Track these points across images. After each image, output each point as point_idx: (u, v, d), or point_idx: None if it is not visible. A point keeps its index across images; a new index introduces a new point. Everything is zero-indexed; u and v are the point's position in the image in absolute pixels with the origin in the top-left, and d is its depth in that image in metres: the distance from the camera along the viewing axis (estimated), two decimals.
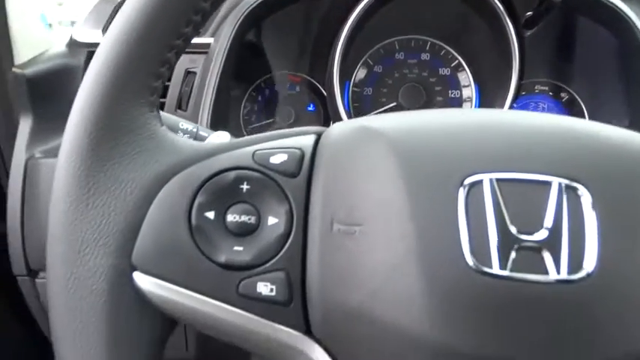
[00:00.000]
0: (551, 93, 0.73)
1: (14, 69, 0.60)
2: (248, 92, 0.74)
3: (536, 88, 0.72)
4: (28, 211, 0.60)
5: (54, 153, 0.62)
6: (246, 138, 0.32)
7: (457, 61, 0.73)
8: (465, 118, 0.30)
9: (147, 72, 0.30)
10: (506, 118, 0.31)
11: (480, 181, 0.27)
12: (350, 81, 0.73)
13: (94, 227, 0.28)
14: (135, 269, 0.28)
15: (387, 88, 0.74)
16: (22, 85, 0.59)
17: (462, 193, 0.27)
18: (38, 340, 0.79)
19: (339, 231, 0.28)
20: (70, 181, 0.28)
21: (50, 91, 0.62)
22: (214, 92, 0.60)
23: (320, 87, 0.74)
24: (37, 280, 0.61)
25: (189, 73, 0.64)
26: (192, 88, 0.63)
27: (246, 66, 0.70)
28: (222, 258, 0.28)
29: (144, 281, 0.28)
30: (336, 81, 0.65)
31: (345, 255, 0.27)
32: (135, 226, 0.28)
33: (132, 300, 0.28)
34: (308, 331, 0.29)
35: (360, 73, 0.74)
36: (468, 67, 0.72)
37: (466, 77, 0.73)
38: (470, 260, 0.25)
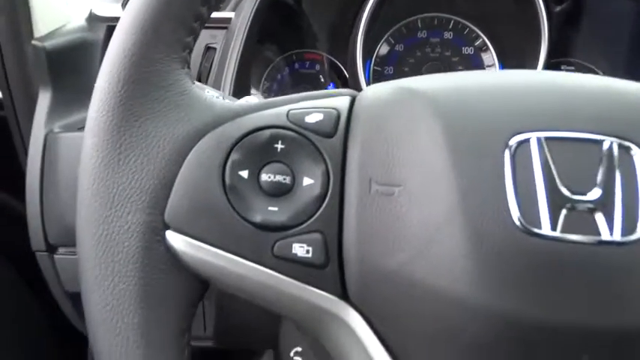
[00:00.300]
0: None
1: (33, 41, 0.59)
2: (267, 70, 0.73)
3: (562, 68, 0.70)
4: (47, 186, 0.59)
5: (73, 127, 0.61)
6: (280, 98, 0.31)
7: (481, 40, 0.71)
8: (507, 78, 0.29)
9: (180, 25, 0.29)
10: (550, 77, 0.30)
11: (527, 141, 0.26)
12: (371, 60, 0.72)
13: (125, 183, 0.27)
14: (168, 227, 0.27)
15: (409, 67, 0.72)
16: (41, 58, 0.58)
17: (508, 153, 0.26)
18: (57, 318, 0.79)
19: (378, 192, 0.27)
20: (101, 136, 0.27)
21: (69, 65, 0.61)
22: (236, 68, 0.59)
23: (340, 66, 0.73)
24: (56, 256, 0.60)
25: (209, 49, 0.63)
26: (212, 64, 0.62)
27: (265, 43, 0.69)
28: (257, 218, 0.27)
29: (176, 240, 0.27)
30: (359, 59, 0.64)
31: (384, 216, 0.27)
32: (168, 183, 0.27)
33: (164, 259, 0.27)
34: (344, 295, 0.28)
35: (382, 52, 0.72)
36: (493, 46, 0.71)
37: (490, 57, 0.71)
38: (518, 221, 0.25)
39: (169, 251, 0.27)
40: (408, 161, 0.27)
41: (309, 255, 0.27)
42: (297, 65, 0.74)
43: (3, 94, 0.68)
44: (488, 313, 0.25)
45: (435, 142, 0.26)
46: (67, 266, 0.60)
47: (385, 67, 0.72)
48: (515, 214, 0.25)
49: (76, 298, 0.63)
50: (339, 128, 0.29)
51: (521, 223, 0.24)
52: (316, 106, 0.30)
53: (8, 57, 0.63)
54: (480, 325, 0.25)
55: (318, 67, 0.74)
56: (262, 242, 0.27)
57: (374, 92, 0.30)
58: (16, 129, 0.69)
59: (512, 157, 0.26)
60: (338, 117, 0.29)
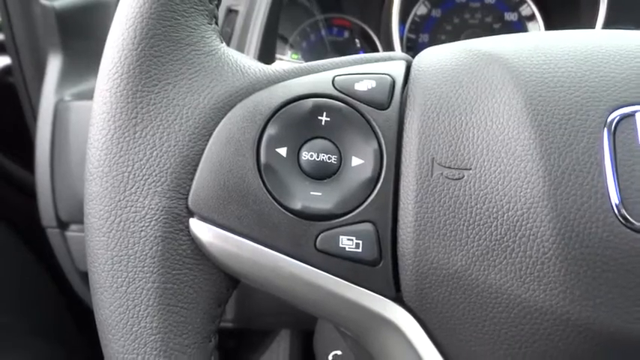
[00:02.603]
0: None
1: (42, 1, 0.54)
2: (292, 37, 0.67)
3: None
4: (58, 158, 0.56)
5: (85, 96, 0.57)
6: (323, 61, 0.26)
7: (527, 7, 0.65)
8: (602, 39, 0.24)
9: None
10: None
11: (632, 115, 0.21)
12: (404, 26, 0.66)
13: (142, 161, 0.23)
14: (192, 215, 0.23)
15: (446, 34, 0.67)
16: (50, 20, 0.54)
17: (607, 130, 0.21)
18: (68, 297, 0.76)
19: (442, 175, 0.22)
20: (113, 104, 0.23)
21: (81, 27, 0.57)
22: (262, 33, 0.54)
23: (371, 33, 0.67)
24: (67, 233, 0.57)
25: (230, 12, 0.58)
26: (233, 28, 0.57)
27: (291, 7, 0.64)
28: (297, 204, 0.23)
29: (202, 230, 0.23)
30: (394, 25, 0.59)
31: (449, 205, 0.22)
32: (192, 161, 0.23)
33: (187, 252, 0.23)
34: (397, 297, 0.24)
35: (417, 17, 0.67)
36: (541, 15, 0.65)
37: (537, 27, 0.65)
38: (617, 212, 0.21)
39: (193, 242, 0.23)
40: (481, 139, 0.22)
41: (359, 250, 0.23)
42: (324, 32, 0.68)
43: (12, 58, 0.64)
44: (581, 326, 0.20)
45: (515, 117, 0.22)
46: (78, 244, 0.57)
47: (420, 34, 0.67)
48: (615, 203, 0.21)
49: (87, 276, 0.60)
50: (394, 98, 0.24)
51: (621, 214, 0.21)
52: (367, 72, 0.25)
53: (16, 18, 0.59)
54: (572, 342, 0.20)
55: (347, 34, 0.68)
56: (303, 234, 0.23)
57: (435, 56, 0.25)
58: (26, 96, 0.66)
59: (612, 134, 0.21)
60: (393, 85, 0.24)
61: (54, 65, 0.56)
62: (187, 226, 0.23)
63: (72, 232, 0.57)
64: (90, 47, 0.57)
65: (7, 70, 0.73)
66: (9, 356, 0.69)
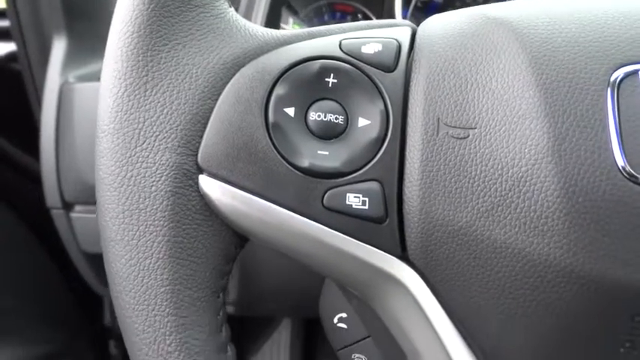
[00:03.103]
0: None
1: None
2: (291, 23, 0.68)
3: None
4: (63, 139, 0.56)
5: (90, 78, 0.57)
6: (331, 26, 0.26)
7: None
8: (602, 2, 0.25)
9: None
10: None
11: (635, 73, 0.21)
12: (407, 11, 0.66)
13: (153, 118, 0.23)
14: (201, 171, 0.23)
15: None
16: (55, 2, 0.54)
17: (610, 88, 0.21)
18: (71, 281, 0.77)
19: (447, 134, 0.23)
20: (124, 62, 0.23)
21: (86, 9, 0.57)
22: (269, 2, 0.54)
23: (373, 17, 0.68)
24: (72, 214, 0.57)
25: None
26: (238, 7, 0.57)
27: None
28: (304, 162, 0.23)
29: (211, 186, 0.23)
30: (398, 10, 0.59)
31: (454, 163, 0.23)
32: (201, 119, 0.23)
33: (197, 208, 0.23)
34: (403, 255, 0.24)
35: (419, 3, 0.67)
36: None
37: None
38: (621, 168, 0.21)
39: (203, 199, 0.23)
40: (486, 99, 0.23)
41: (366, 207, 0.23)
42: (326, 17, 0.69)
43: (17, 44, 0.64)
44: (584, 277, 0.21)
45: (520, 76, 0.22)
46: (83, 225, 0.58)
47: (422, 19, 0.67)
48: (618, 160, 0.21)
49: (92, 259, 0.60)
50: (401, 61, 0.25)
51: (624, 168, 0.21)
52: (373, 36, 0.25)
53: (21, 2, 0.59)
54: (575, 293, 0.21)
55: (349, 18, 0.69)
56: (311, 191, 0.23)
57: (440, 22, 0.26)
58: (30, 81, 0.66)
59: (616, 92, 0.22)
60: (399, 48, 0.25)
61: (59, 48, 0.57)
62: (197, 183, 0.23)
63: (77, 214, 0.57)
64: (95, 29, 0.57)
65: (12, 56, 0.73)
66: (10, 340, 0.70)
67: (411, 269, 0.24)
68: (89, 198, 0.55)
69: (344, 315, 0.29)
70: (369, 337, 0.28)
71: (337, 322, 0.29)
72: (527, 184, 0.22)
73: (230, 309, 0.61)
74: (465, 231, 0.22)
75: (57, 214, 0.58)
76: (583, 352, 0.22)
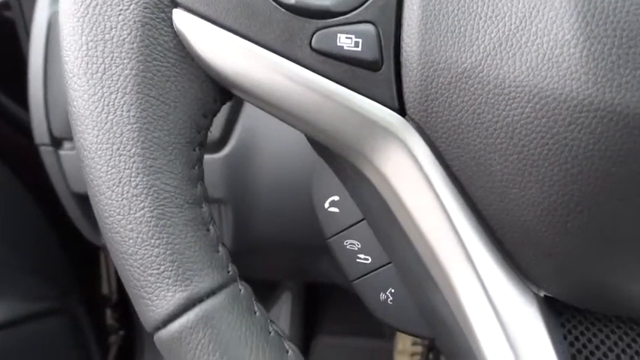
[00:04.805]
0: None
1: None
2: None
3: None
4: (51, 72, 0.54)
5: None
6: None
7: None
8: None
9: None
10: None
11: None
12: None
13: None
14: (175, 4, 0.21)
15: None
16: None
17: None
18: (62, 235, 0.75)
19: None
20: None
21: None
22: None
23: None
24: (61, 152, 0.55)
25: None
26: None
27: None
28: None
29: (186, 22, 0.21)
30: None
31: (458, 0, 0.20)
32: None
33: (170, 45, 0.21)
34: (400, 108, 0.21)
35: None
36: None
37: None
38: None
39: (177, 37, 0.21)
40: None
41: (359, 49, 0.21)
42: None
43: None
44: (604, 109, 0.18)
45: None
46: (73, 163, 0.55)
47: None
48: None
49: (83, 201, 0.58)
50: None
51: None
52: None
53: None
54: (595, 129, 0.18)
55: None
56: (297, 31, 0.21)
57: None
58: (22, 26, 0.64)
59: None
60: None
61: None
62: (170, 18, 0.21)
63: (66, 151, 0.55)
64: None
65: (5, 4, 0.71)
66: (2, 292, 0.68)
67: (409, 125, 0.21)
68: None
69: (336, 198, 0.26)
70: (362, 220, 0.26)
71: (329, 207, 0.26)
72: (541, 13, 0.19)
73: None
74: (470, 73, 0.20)
75: (46, 152, 0.55)
76: (606, 201, 0.19)
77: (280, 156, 0.52)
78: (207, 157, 0.52)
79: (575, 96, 0.19)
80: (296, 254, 0.66)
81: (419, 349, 0.81)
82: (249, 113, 0.51)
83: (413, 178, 0.22)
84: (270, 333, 0.21)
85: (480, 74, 0.20)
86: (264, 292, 0.94)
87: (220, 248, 0.21)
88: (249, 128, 0.51)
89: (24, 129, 0.64)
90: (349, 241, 0.26)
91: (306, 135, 0.24)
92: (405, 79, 0.21)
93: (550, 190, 0.20)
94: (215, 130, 0.51)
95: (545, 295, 0.23)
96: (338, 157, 0.24)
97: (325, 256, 0.61)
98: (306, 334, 0.92)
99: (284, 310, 0.94)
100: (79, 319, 0.83)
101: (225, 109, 0.50)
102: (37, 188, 0.68)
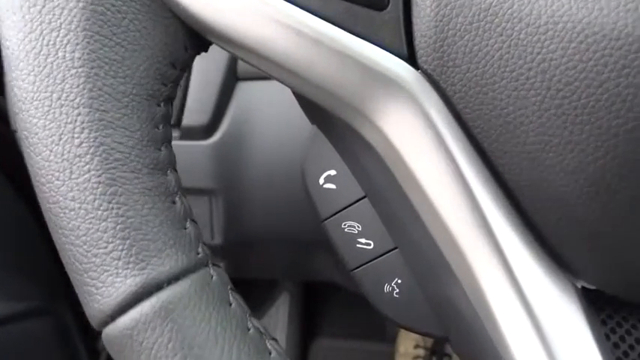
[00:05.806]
0: None
1: None
2: None
3: None
4: None
5: None
6: None
7: None
8: None
9: None
10: None
11: None
12: None
13: None
14: None
15: None
16: None
17: None
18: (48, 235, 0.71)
19: None
20: None
21: None
22: None
23: None
24: None
25: None
26: None
27: None
28: None
29: None
30: None
31: None
32: None
33: None
34: (410, 56, 0.18)
35: None
36: None
37: None
38: None
39: None
40: None
41: None
42: None
43: None
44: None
45: None
46: None
47: None
48: None
49: None
50: None
51: None
52: None
53: None
54: None
55: None
56: None
57: None
58: None
59: None
60: None
61: None
62: None
63: None
64: None
65: None
66: None
67: (420, 76, 0.18)
68: None
69: (332, 172, 0.22)
70: (363, 197, 0.22)
71: (324, 183, 0.22)
72: None
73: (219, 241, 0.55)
74: (496, 10, 0.16)
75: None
76: None
77: (275, 143, 0.48)
78: (195, 144, 0.49)
79: (630, 32, 0.15)
80: (291, 249, 0.62)
81: (421, 352, 0.77)
82: (243, 96, 0.47)
83: (425, 143, 0.18)
84: (249, 330, 0.18)
85: (510, 10, 0.16)
86: (261, 293, 0.91)
87: (189, 225, 0.18)
88: (241, 113, 0.48)
89: (3, 115, 0.61)
90: (348, 222, 0.22)
91: (297, 96, 0.21)
92: (416, 19, 0.17)
93: (596, 153, 0.16)
94: (204, 115, 0.47)
95: (582, 287, 0.19)
96: (334, 120, 0.20)
97: (322, 251, 0.57)
98: (304, 337, 0.88)
99: (282, 312, 0.91)
100: (66, 320, 0.80)
101: (215, 91, 0.46)
102: (23, 186, 0.65)
